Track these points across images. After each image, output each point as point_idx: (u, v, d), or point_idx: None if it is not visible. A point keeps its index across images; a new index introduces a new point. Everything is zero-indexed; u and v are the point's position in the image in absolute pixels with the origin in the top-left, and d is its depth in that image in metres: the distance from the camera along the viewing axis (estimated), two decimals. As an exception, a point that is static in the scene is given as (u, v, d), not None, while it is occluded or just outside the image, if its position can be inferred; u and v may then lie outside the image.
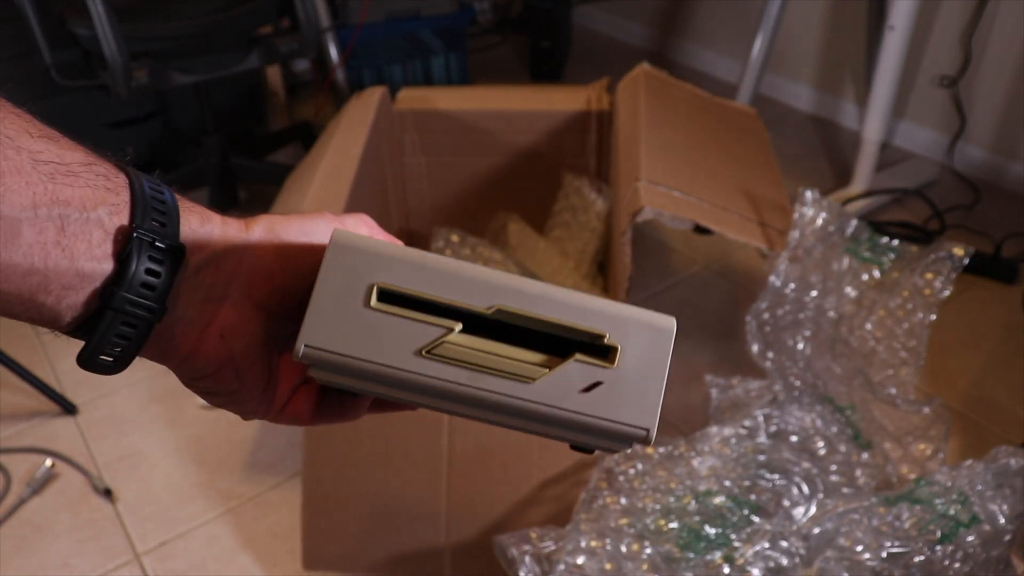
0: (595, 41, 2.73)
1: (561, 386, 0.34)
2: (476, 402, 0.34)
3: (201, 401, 1.34)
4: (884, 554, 0.84)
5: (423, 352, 0.34)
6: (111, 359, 0.33)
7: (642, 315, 0.35)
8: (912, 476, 1.04)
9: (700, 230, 1.08)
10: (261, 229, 0.36)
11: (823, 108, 2.22)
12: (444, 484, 0.99)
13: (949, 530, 0.86)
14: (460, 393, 0.34)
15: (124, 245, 0.32)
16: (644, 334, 0.35)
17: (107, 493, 1.20)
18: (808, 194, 1.11)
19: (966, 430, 1.26)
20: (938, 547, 0.85)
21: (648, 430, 0.34)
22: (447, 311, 0.34)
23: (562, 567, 0.84)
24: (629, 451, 0.36)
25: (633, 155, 1.13)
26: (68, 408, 1.34)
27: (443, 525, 1.00)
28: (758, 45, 1.77)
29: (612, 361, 0.34)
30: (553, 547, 0.87)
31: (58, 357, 1.47)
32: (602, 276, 1.45)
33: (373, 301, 0.34)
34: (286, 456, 1.25)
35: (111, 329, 0.32)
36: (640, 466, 0.96)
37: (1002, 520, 0.87)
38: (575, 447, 0.38)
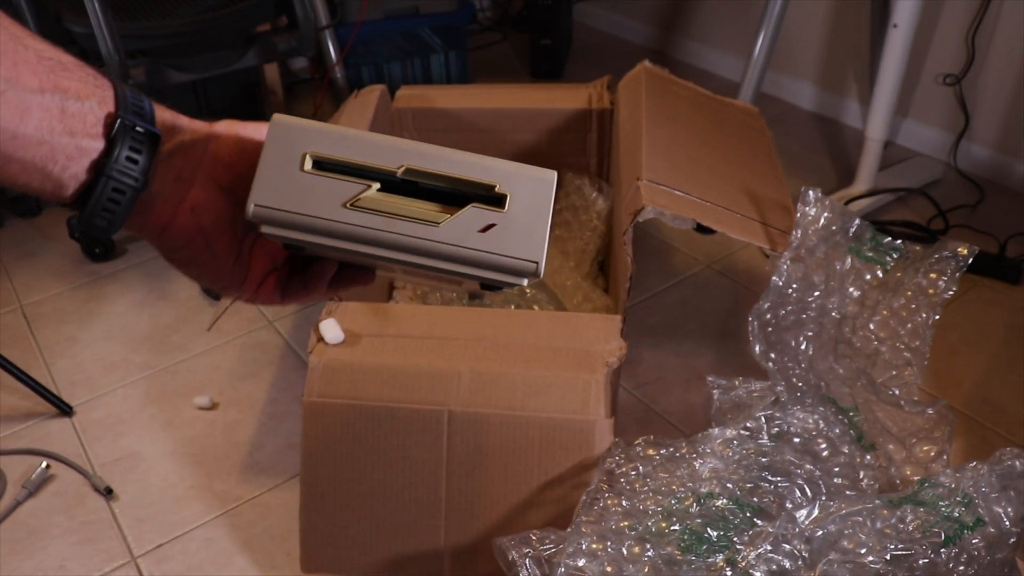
0: (596, 39, 2.72)
1: (462, 228, 0.41)
2: (393, 245, 0.41)
3: (198, 402, 1.33)
4: (888, 556, 0.83)
5: (348, 205, 0.41)
6: (104, 222, 0.41)
7: (528, 169, 0.42)
8: (916, 478, 1.03)
9: (702, 229, 1.07)
10: (223, 126, 0.45)
11: (826, 106, 2.21)
12: (443, 486, 0.98)
13: (953, 532, 0.85)
14: (380, 238, 0.41)
15: (111, 129, 0.40)
16: (529, 184, 0.41)
17: (108, 492, 1.19)
18: (811, 193, 1.10)
19: (970, 432, 1.25)
20: (942, 549, 0.84)
21: (536, 263, 0.42)
22: (367, 173, 0.41)
23: (563, 569, 0.83)
24: (526, 284, 0.44)
25: (634, 154, 1.12)
26: (64, 409, 1.33)
27: (442, 527, 0.99)
28: (760, 43, 1.76)
29: (503, 207, 0.41)
30: (553, 549, 0.87)
31: (54, 358, 1.46)
32: (603, 275, 1.44)
33: (307, 166, 0.41)
34: (284, 458, 1.25)
35: (104, 194, 0.40)
36: (641, 468, 0.95)
37: (1006, 522, 0.86)
38: (484, 286, 0.44)
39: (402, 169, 0.41)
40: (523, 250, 0.41)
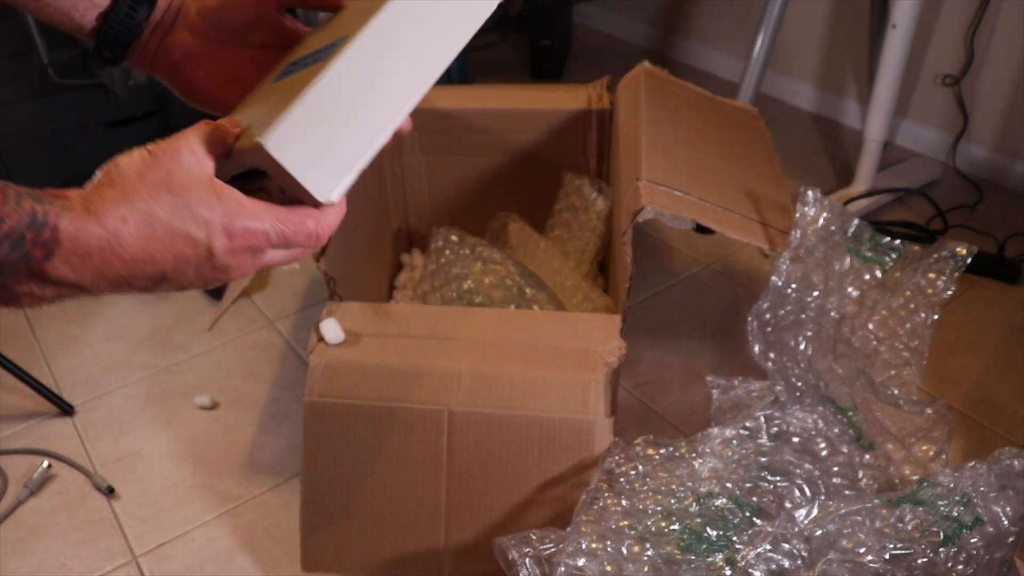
0: (596, 39, 2.72)
1: None
2: None
3: (199, 402, 1.34)
4: (887, 556, 0.84)
5: None
6: (109, 55, 0.60)
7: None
8: (915, 477, 1.03)
9: (701, 230, 1.07)
10: None
11: (825, 107, 2.21)
12: (443, 485, 0.98)
13: (952, 532, 0.85)
14: None
15: None
16: None
17: (109, 491, 1.19)
18: (810, 193, 1.10)
19: (969, 431, 1.26)
20: (941, 549, 0.84)
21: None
22: None
23: (562, 569, 0.83)
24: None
25: (634, 154, 1.13)
26: (65, 409, 1.34)
27: (442, 527, 1.00)
28: (759, 43, 1.76)
29: None
30: (553, 549, 0.87)
31: (55, 358, 1.46)
32: (603, 276, 1.45)
33: None
34: (285, 457, 1.25)
35: (111, 31, 0.58)
36: (641, 467, 0.95)
37: (1005, 522, 0.86)
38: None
39: None
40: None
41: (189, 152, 0.47)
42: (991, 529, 0.85)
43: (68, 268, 0.43)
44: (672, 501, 0.91)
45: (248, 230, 0.47)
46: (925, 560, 0.83)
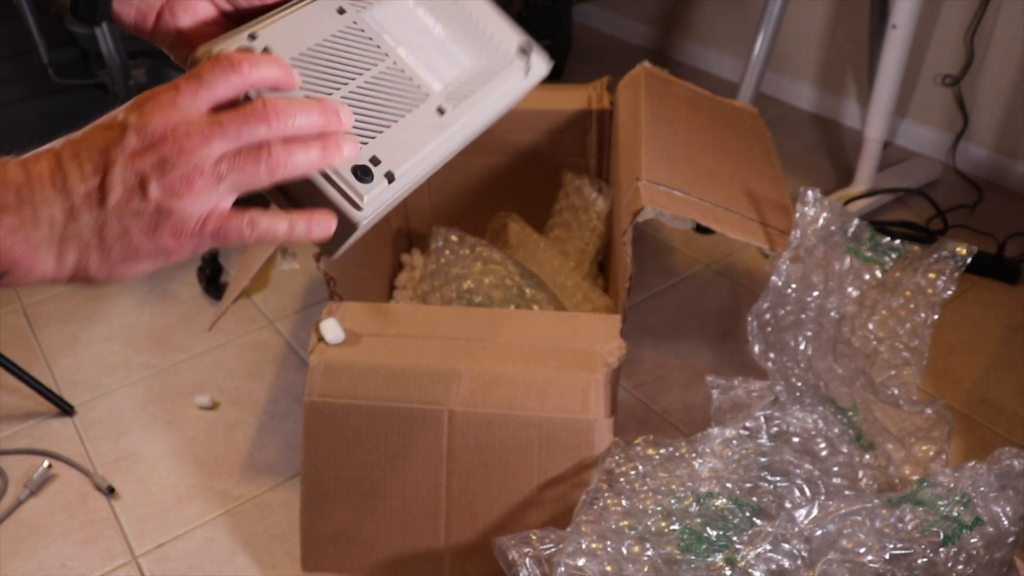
0: (596, 39, 2.72)
1: None
2: None
3: (199, 402, 1.34)
4: (887, 556, 0.84)
5: None
6: (87, 13, 0.49)
7: None
8: (915, 477, 1.03)
9: (701, 230, 1.07)
10: None
11: (825, 107, 2.21)
12: (443, 485, 0.98)
13: (952, 532, 0.85)
14: None
15: None
16: None
17: (110, 491, 1.19)
18: (810, 193, 1.10)
19: (969, 431, 1.26)
20: (941, 549, 0.84)
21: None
22: None
23: (562, 569, 0.83)
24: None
25: (634, 154, 1.13)
26: (65, 409, 1.34)
27: (442, 527, 1.00)
28: (759, 43, 1.76)
29: None
30: (553, 549, 0.87)
31: (55, 358, 1.46)
32: (603, 276, 1.45)
33: None
34: (285, 457, 1.25)
35: None
36: (641, 467, 0.95)
37: (1005, 522, 0.86)
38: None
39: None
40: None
41: None
42: (991, 529, 0.85)
43: None
44: (672, 501, 0.91)
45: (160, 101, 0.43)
46: (925, 560, 0.83)
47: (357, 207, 0.47)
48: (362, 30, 0.53)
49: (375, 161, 0.49)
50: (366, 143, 0.49)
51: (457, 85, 0.56)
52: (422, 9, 0.57)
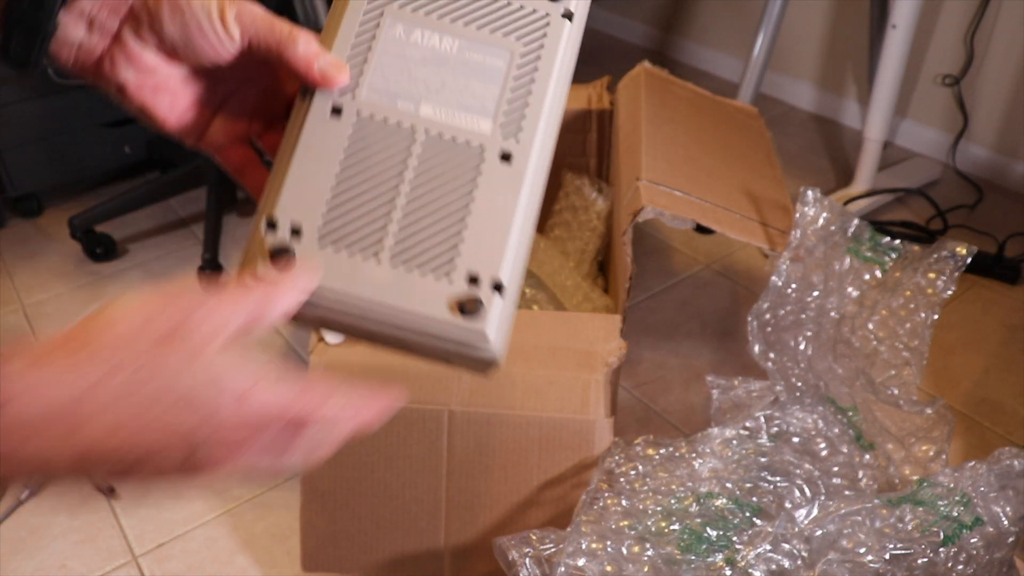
0: (595, 39, 2.72)
1: None
2: None
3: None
4: (887, 556, 0.84)
5: None
6: (21, 53, 0.44)
7: None
8: (915, 477, 1.03)
9: (701, 230, 1.07)
10: None
11: (825, 107, 2.21)
12: (443, 485, 0.98)
13: (952, 532, 0.85)
14: None
15: None
16: None
17: (110, 491, 1.19)
18: (810, 193, 1.10)
19: (969, 431, 1.26)
20: (941, 549, 0.84)
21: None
22: None
23: (562, 569, 0.83)
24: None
25: (634, 154, 1.13)
26: (66, 409, 1.34)
27: (442, 527, 1.00)
28: (759, 44, 1.76)
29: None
30: (553, 549, 0.87)
31: (56, 357, 1.46)
32: (603, 276, 1.45)
33: None
34: (285, 457, 1.25)
35: (16, 28, 0.43)
36: (641, 467, 0.95)
37: (1005, 522, 0.86)
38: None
39: None
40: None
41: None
42: (991, 529, 0.85)
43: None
44: (672, 501, 0.91)
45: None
46: (925, 560, 0.83)
47: (484, 346, 0.39)
48: (371, 116, 0.42)
49: (473, 279, 0.39)
50: (451, 260, 0.39)
51: (507, 105, 0.43)
52: (417, 30, 0.44)
